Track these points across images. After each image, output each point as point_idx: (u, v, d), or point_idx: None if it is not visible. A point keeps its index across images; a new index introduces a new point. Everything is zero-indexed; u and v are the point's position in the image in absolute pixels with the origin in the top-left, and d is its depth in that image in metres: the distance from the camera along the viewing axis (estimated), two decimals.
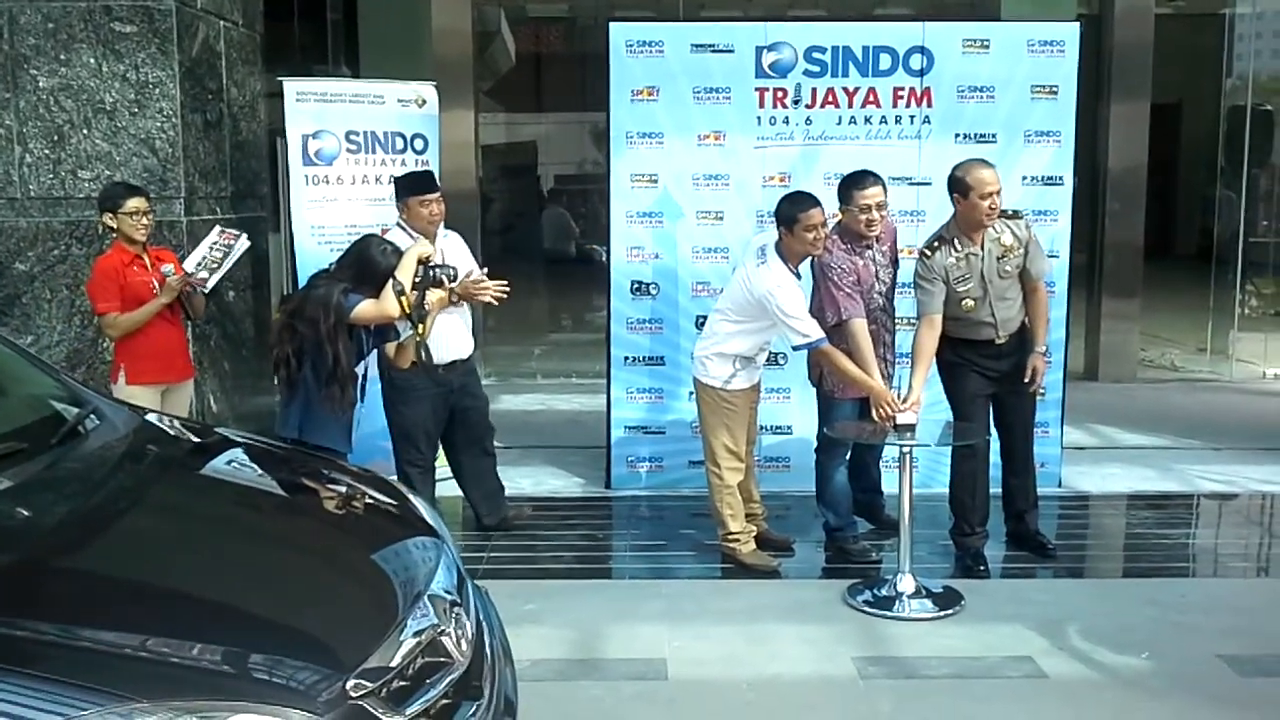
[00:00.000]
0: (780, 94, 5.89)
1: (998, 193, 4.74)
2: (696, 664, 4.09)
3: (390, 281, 4.26)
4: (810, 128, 5.90)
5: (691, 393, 5.33)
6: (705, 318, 5.36)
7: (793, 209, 4.81)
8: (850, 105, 5.88)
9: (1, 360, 3.41)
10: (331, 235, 5.89)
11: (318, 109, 5.99)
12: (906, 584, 4.62)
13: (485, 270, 5.21)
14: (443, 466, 5.56)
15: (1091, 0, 9.49)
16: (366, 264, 4.32)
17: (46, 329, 5.64)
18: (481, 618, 2.88)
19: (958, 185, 4.80)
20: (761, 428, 5.59)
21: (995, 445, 5.14)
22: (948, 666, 4.08)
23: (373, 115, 6.12)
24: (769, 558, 5.10)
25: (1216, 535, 5.85)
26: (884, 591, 4.65)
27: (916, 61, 5.87)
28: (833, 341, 4.79)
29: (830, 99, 5.88)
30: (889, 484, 5.41)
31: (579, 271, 10.81)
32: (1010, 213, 4.98)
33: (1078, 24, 6.10)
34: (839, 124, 5.89)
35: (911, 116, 5.89)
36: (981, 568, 5.00)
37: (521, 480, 6.28)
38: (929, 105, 5.88)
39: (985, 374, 4.97)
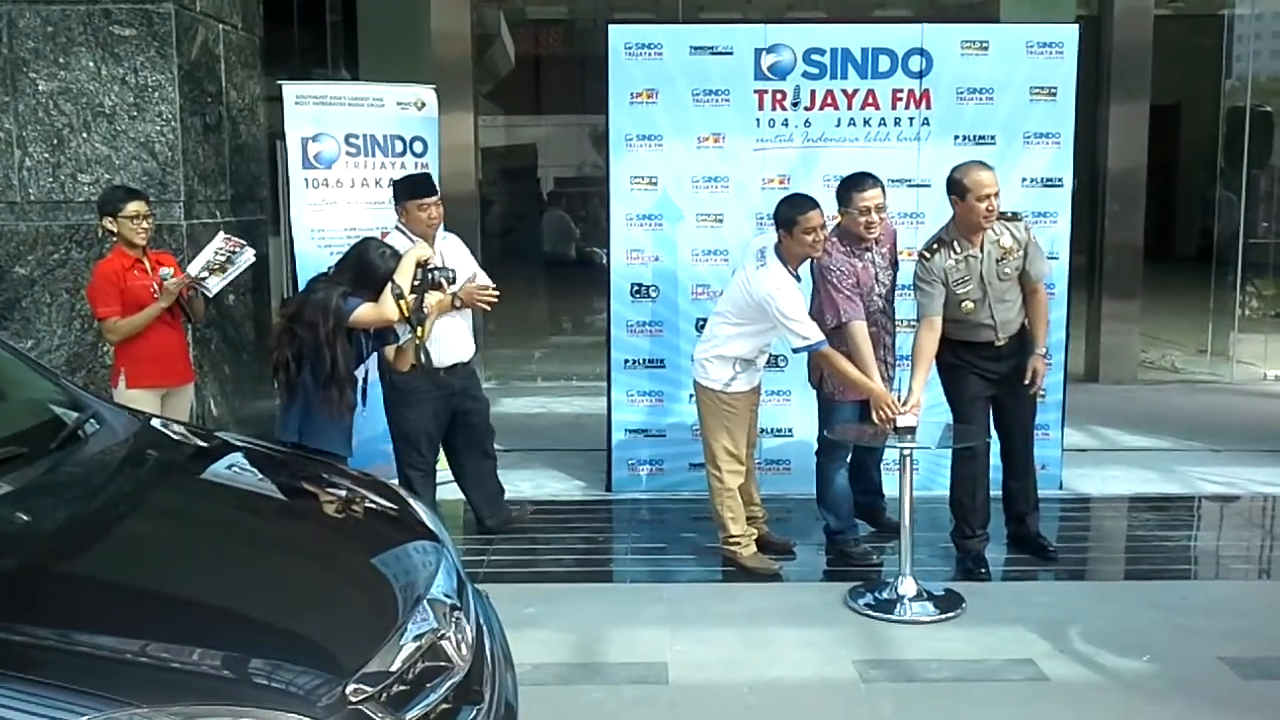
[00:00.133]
0: (779, 96, 5.89)
1: (995, 195, 4.73)
2: (697, 668, 4.09)
3: (389, 285, 4.26)
4: (809, 130, 5.90)
5: (692, 395, 5.33)
6: (705, 320, 5.36)
7: (791, 211, 4.81)
8: (849, 107, 5.88)
9: (1, 364, 3.41)
10: (331, 238, 5.89)
11: (317, 112, 5.99)
12: (907, 587, 4.61)
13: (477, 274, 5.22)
14: (443, 470, 5.55)
15: (1091, 2, 9.50)
16: (365, 267, 4.31)
17: (46, 333, 5.64)
18: (482, 622, 2.87)
19: (955, 187, 4.80)
20: (762, 430, 5.59)
21: (995, 447, 5.13)
22: (949, 669, 4.08)
23: (372, 118, 6.12)
24: (770, 561, 5.09)
25: (1218, 537, 5.84)
26: (885, 594, 4.64)
27: (915, 63, 5.87)
28: (833, 344, 4.79)
29: (829, 101, 5.88)
30: (889, 486, 5.40)
31: (579, 274, 10.81)
32: (1010, 215, 4.97)
33: (1077, 25, 6.09)
34: (838, 126, 5.89)
35: (910, 118, 5.89)
36: (982, 570, 5.00)
37: (522, 483, 6.27)
38: (928, 107, 5.88)
39: (985, 376, 4.97)
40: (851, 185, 4.97)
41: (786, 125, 5.91)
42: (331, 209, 6.00)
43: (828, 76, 5.87)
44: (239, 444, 3.50)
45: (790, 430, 6.04)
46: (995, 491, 5.17)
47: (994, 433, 5.09)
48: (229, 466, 3.32)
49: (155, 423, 3.56)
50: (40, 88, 5.56)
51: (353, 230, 5.64)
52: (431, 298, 4.46)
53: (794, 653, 4.21)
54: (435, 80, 6.89)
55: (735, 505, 5.07)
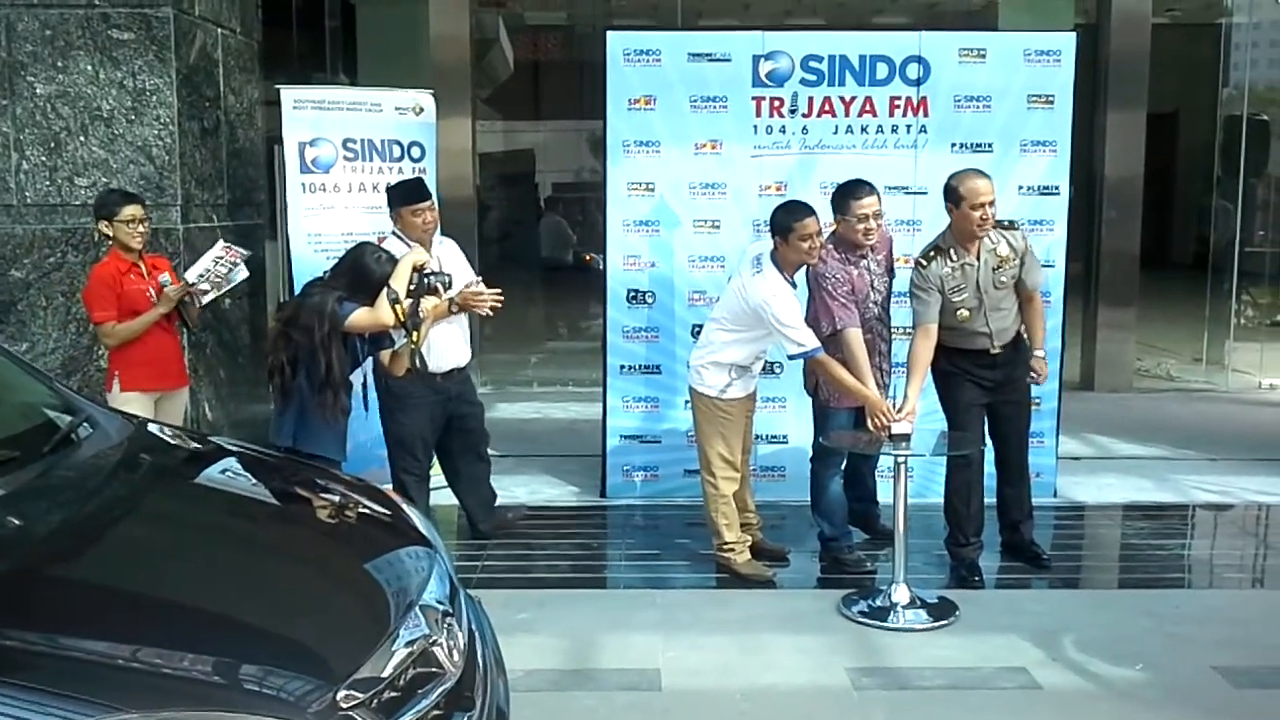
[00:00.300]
0: (777, 103, 5.90)
1: (991, 203, 4.74)
2: (691, 674, 4.08)
3: (385, 290, 4.26)
4: (807, 137, 5.91)
5: (687, 401, 5.33)
6: (701, 326, 5.36)
7: (788, 218, 4.81)
8: (847, 114, 5.89)
9: None
10: (328, 243, 5.88)
11: (315, 117, 5.99)
12: (901, 594, 4.61)
13: (480, 279, 5.22)
14: (437, 475, 5.55)
15: (1088, 10, 9.52)
16: (361, 272, 4.32)
17: (42, 336, 5.63)
18: (474, 628, 2.87)
19: (951, 195, 4.81)
20: (757, 437, 5.59)
21: (990, 455, 5.14)
22: (942, 677, 4.07)
23: (370, 123, 6.13)
24: (764, 567, 5.09)
25: (1212, 546, 5.85)
26: (879, 602, 4.64)
27: (913, 71, 5.88)
28: (828, 351, 4.79)
29: (827, 108, 5.89)
30: (884, 494, 5.40)
31: (576, 280, 10.82)
32: (1006, 223, 4.98)
33: (1074, 34, 6.10)
34: (835, 133, 5.90)
35: (908, 126, 5.90)
36: (976, 578, 5.00)
37: (517, 489, 6.27)
38: (925, 114, 5.89)
39: (980, 384, 4.97)
40: (848, 193, 4.97)
41: (784, 132, 5.92)
42: (329, 214, 6.00)
43: (825, 83, 5.88)
44: (233, 448, 3.50)
45: (785, 437, 6.04)
46: (990, 499, 5.17)
47: (989, 440, 5.10)
48: (222, 471, 3.32)
49: (149, 427, 3.55)
50: (38, 91, 5.56)
51: (350, 235, 5.64)
52: (427, 303, 4.46)
53: (787, 660, 4.21)
54: (433, 85, 6.89)
55: (730, 512, 5.07)
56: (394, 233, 5.18)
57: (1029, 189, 5.95)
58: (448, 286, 4.63)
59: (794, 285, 4.90)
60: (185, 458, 3.49)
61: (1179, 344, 10.31)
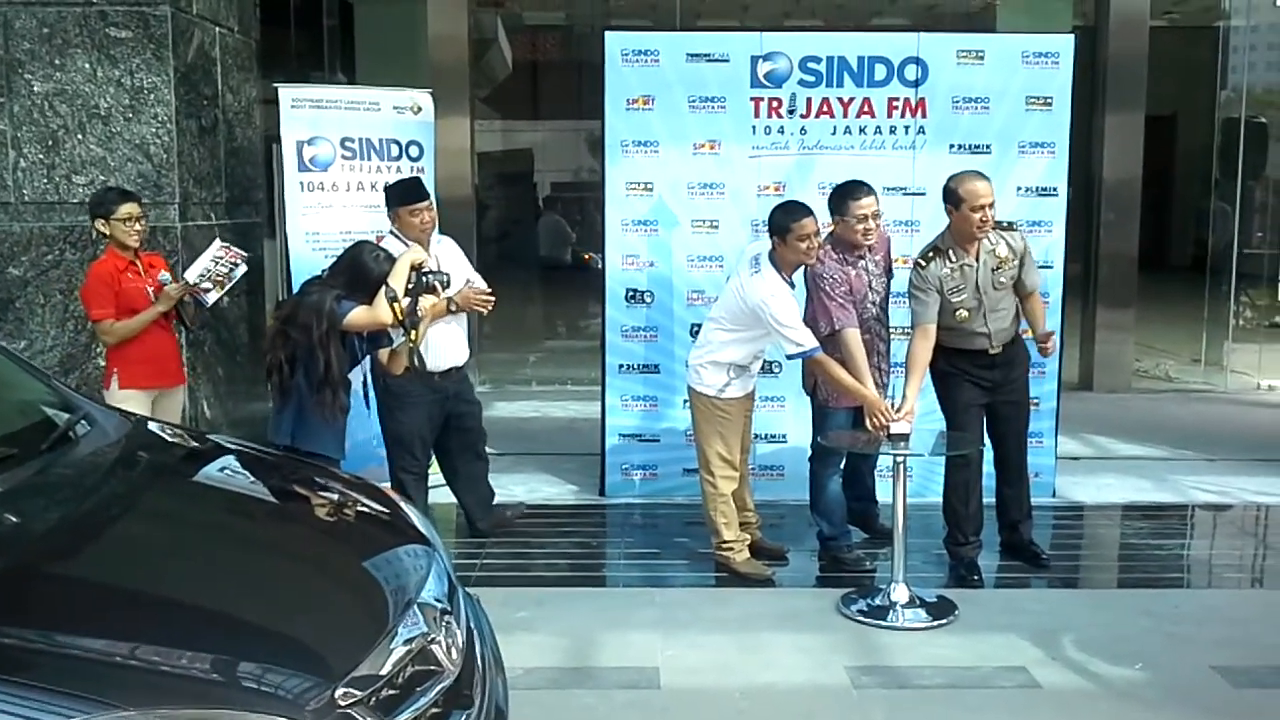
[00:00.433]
0: (775, 103, 5.90)
1: (990, 205, 4.74)
2: (690, 673, 4.08)
3: (383, 288, 4.26)
4: (805, 137, 5.91)
5: (686, 401, 5.32)
6: (700, 326, 5.36)
7: (786, 218, 4.81)
8: (845, 115, 5.89)
9: None
10: (326, 242, 5.88)
11: (313, 115, 5.99)
12: (900, 593, 4.61)
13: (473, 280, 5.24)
14: (435, 473, 5.55)
15: (1087, 12, 9.52)
16: (359, 270, 4.32)
17: (40, 334, 5.63)
18: (473, 626, 2.87)
19: (950, 196, 4.81)
20: (756, 436, 5.59)
21: (989, 455, 5.13)
22: (941, 676, 4.07)
23: (368, 122, 6.12)
24: (763, 566, 5.09)
25: (1211, 546, 5.85)
26: (878, 601, 4.64)
27: (911, 72, 5.88)
28: (827, 351, 4.79)
29: (825, 109, 5.89)
30: (883, 493, 5.40)
31: (574, 279, 10.81)
32: (1005, 224, 4.98)
33: (1072, 36, 6.11)
34: (834, 134, 5.90)
35: (906, 127, 5.90)
36: (975, 577, 5.00)
37: (515, 487, 6.26)
38: (924, 116, 5.89)
39: (979, 384, 4.97)
40: (847, 194, 4.97)
41: (782, 132, 5.91)
42: (327, 212, 6.00)
43: (824, 84, 5.88)
44: (231, 446, 3.49)
45: (784, 436, 6.04)
46: (989, 499, 5.17)
47: (987, 440, 5.10)
48: (221, 469, 3.31)
49: (147, 425, 3.55)
50: (35, 89, 5.55)
51: (348, 234, 5.64)
52: (426, 301, 4.46)
53: (786, 658, 4.20)
54: (432, 84, 6.89)
55: (729, 511, 5.07)
56: (392, 232, 5.18)
57: (1027, 190, 5.96)
58: (446, 285, 4.63)
59: (792, 285, 4.90)
60: (183, 455, 3.48)
61: (1177, 345, 10.32)
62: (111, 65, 5.58)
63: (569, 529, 5.78)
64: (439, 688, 2.49)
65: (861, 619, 4.55)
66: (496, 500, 5.67)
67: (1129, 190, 9.03)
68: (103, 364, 5.14)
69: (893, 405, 4.79)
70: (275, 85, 6.08)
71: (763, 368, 5.34)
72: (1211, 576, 5.38)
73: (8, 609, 2.23)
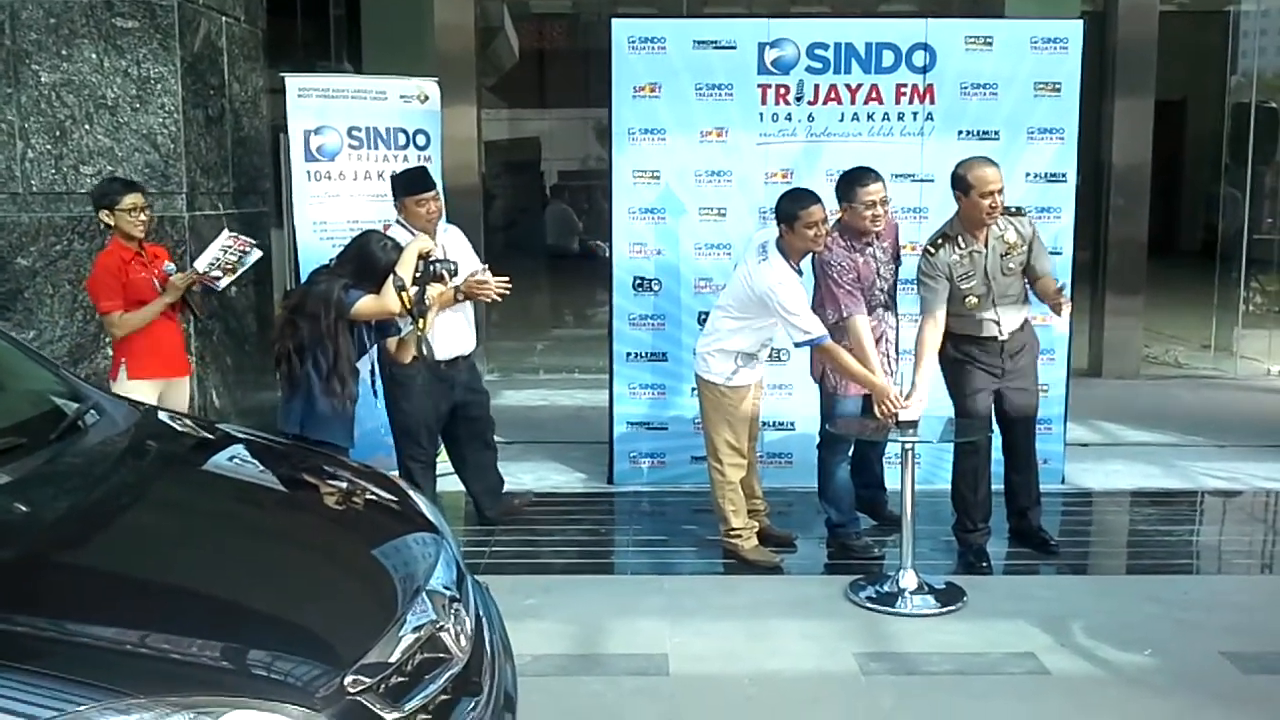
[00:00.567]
0: (783, 91, 5.88)
1: (999, 191, 4.72)
2: (698, 659, 4.09)
3: (391, 277, 4.26)
4: (813, 124, 5.89)
5: (694, 389, 5.32)
6: (707, 314, 5.36)
7: (793, 206, 4.80)
8: (853, 102, 5.87)
9: (1, 355, 3.41)
10: (334, 231, 5.89)
11: (320, 105, 5.99)
12: (909, 580, 4.61)
13: (487, 266, 5.23)
14: (444, 462, 5.56)
15: None
16: (367, 259, 4.32)
17: (49, 324, 5.64)
18: (481, 613, 2.88)
19: (959, 183, 4.79)
20: (764, 424, 5.59)
21: (997, 441, 5.13)
22: (950, 663, 4.08)
23: (375, 111, 6.12)
24: (771, 554, 5.09)
25: (1220, 532, 5.84)
26: (886, 587, 4.64)
27: (919, 58, 5.85)
28: (835, 339, 4.79)
29: (833, 96, 5.87)
30: (891, 480, 5.40)
31: (582, 267, 10.80)
32: (1014, 210, 4.97)
33: (1081, 21, 6.09)
34: (841, 121, 5.88)
35: (914, 113, 5.88)
36: (984, 564, 5.00)
37: (523, 475, 6.27)
38: (932, 102, 5.87)
39: (988, 370, 4.96)
40: (855, 180, 4.96)
41: (790, 120, 5.90)
42: (334, 202, 6.01)
43: (831, 71, 5.86)
44: (240, 435, 3.50)
45: (792, 424, 6.04)
46: (997, 485, 5.17)
47: (996, 427, 5.09)
48: (230, 458, 3.32)
49: (156, 414, 3.56)
50: (43, 79, 5.56)
51: (355, 223, 5.64)
52: (433, 290, 4.46)
53: (794, 645, 4.21)
54: (438, 73, 6.88)
55: (736, 498, 5.07)
56: (398, 221, 5.18)
57: (1036, 176, 5.94)
58: (454, 274, 4.63)
59: (800, 273, 4.89)
60: (192, 445, 3.50)
61: (1187, 331, 10.29)
62: (118, 55, 5.58)
63: (577, 517, 5.79)
64: (448, 675, 2.50)
65: (870, 606, 4.55)
66: (505, 488, 5.68)
67: (1138, 176, 9.00)
68: (111, 354, 5.14)
69: (901, 392, 4.78)
70: (282, 74, 6.08)
71: (771, 355, 5.34)
72: (1221, 563, 5.37)
73: (19, 597, 2.24)
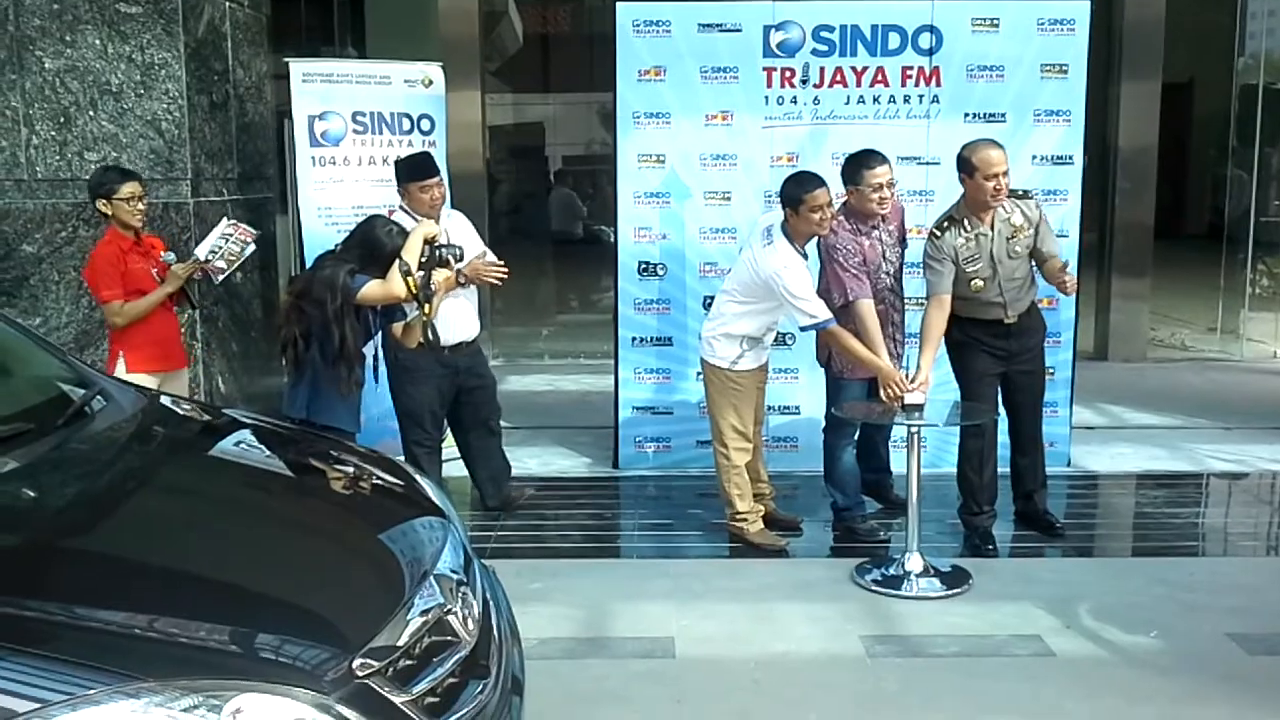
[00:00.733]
0: (788, 73, 5.87)
1: (1004, 174, 4.71)
2: (704, 642, 4.10)
3: (396, 262, 4.26)
4: (818, 107, 5.88)
5: (699, 373, 5.32)
6: (712, 298, 5.35)
7: (798, 189, 4.79)
8: (859, 85, 5.85)
9: (7, 342, 3.42)
10: (338, 216, 5.89)
11: (324, 90, 5.98)
12: (914, 563, 4.62)
13: (487, 251, 5.23)
14: (450, 447, 5.56)
15: None
16: (372, 245, 4.32)
17: (55, 310, 5.65)
18: (488, 597, 2.88)
19: (964, 165, 4.78)
20: (769, 408, 5.59)
21: (1004, 425, 5.13)
22: (956, 645, 4.08)
23: (379, 96, 6.11)
24: (777, 537, 5.10)
25: (1225, 514, 5.84)
26: (892, 570, 4.65)
27: (925, 40, 5.83)
28: (841, 322, 4.78)
29: (839, 78, 5.85)
30: (897, 464, 5.41)
31: (587, 252, 10.80)
32: (1020, 193, 4.96)
33: (1088, 2, 6.03)
34: (847, 103, 5.86)
35: (920, 96, 5.86)
36: (990, 547, 5.00)
37: (529, 460, 6.28)
38: (938, 84, 5.85)
39: (994, 353, 4.96)
40: (861, 163, 4.95)
41: (795, 103, 5.88)
42: (339, 187, 6.00)
43: (837, 54, 5.84)
44: (246, 421, 3.51)
45: (798, 408, 6.04)
46: (1003, 468, 5.17)
47: (1002, 410, 5.09)
48: (237, 443, 3.33)
49: (162, 399, 3.57)
50: (47, 66, 5.55)
51: (360, 208, 5.64)
52: (439, 275, 4.46)
53: (800, 628, 4.22)
54: (443, 58, 6.86)
55: (742, 482, 5.07)
56: (402, 207, 5.17)
57: (1043, 159, 5.92)
58: (459, 259, 4.63)
59: (805, 256, 4.88)
60: (199, 430, 3.50)
61: (1193, 313, 10.27)
62: (122, 41, 5.57)
63: (583, 501, 5.80)
64: (456, 658, 2.50)
65: (876, 589, 4.56)
66: (512, 474, 5.67)
67: (1145, 158, 8.97)
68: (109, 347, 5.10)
69: (907, 376, 4.78)
70: (286, 60, 6.07)
71: (776, 340, 5.34)
72: (1226, 545, 5.36)
73: (28, 582, 2.25)
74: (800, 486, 5.75)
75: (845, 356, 4.92)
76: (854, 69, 5.85)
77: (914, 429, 4.65)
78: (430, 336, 4.51)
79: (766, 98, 5.88)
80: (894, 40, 5.84)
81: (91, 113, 5.59)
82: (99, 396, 3.19)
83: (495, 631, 2.78)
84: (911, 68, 5.84)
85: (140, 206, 4.86)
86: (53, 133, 5.59)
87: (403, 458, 4.96)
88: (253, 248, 5.14)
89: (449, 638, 2.53)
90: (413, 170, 5.18)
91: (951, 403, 5.04)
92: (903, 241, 5.22)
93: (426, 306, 4.41)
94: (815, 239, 4.92)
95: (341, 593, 2.53)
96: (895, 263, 5.15)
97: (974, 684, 3.82)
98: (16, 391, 3.25)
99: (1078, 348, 6.24)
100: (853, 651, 4.04)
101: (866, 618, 4.31)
